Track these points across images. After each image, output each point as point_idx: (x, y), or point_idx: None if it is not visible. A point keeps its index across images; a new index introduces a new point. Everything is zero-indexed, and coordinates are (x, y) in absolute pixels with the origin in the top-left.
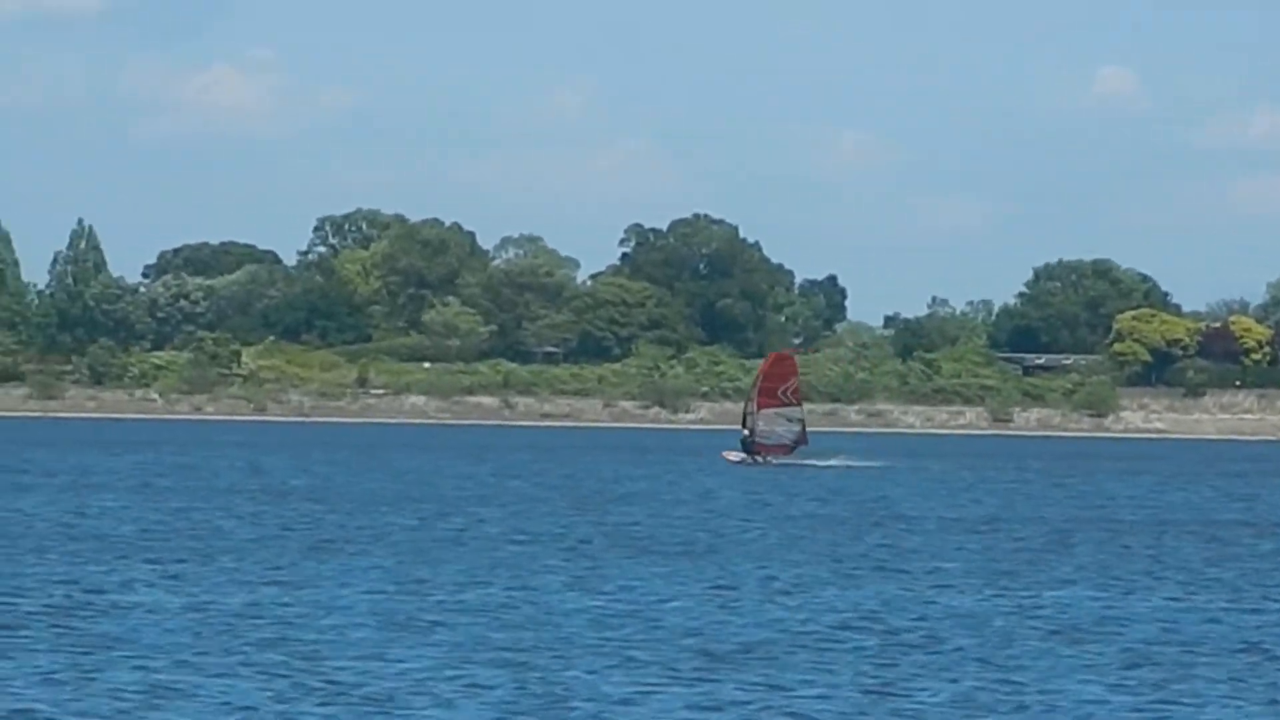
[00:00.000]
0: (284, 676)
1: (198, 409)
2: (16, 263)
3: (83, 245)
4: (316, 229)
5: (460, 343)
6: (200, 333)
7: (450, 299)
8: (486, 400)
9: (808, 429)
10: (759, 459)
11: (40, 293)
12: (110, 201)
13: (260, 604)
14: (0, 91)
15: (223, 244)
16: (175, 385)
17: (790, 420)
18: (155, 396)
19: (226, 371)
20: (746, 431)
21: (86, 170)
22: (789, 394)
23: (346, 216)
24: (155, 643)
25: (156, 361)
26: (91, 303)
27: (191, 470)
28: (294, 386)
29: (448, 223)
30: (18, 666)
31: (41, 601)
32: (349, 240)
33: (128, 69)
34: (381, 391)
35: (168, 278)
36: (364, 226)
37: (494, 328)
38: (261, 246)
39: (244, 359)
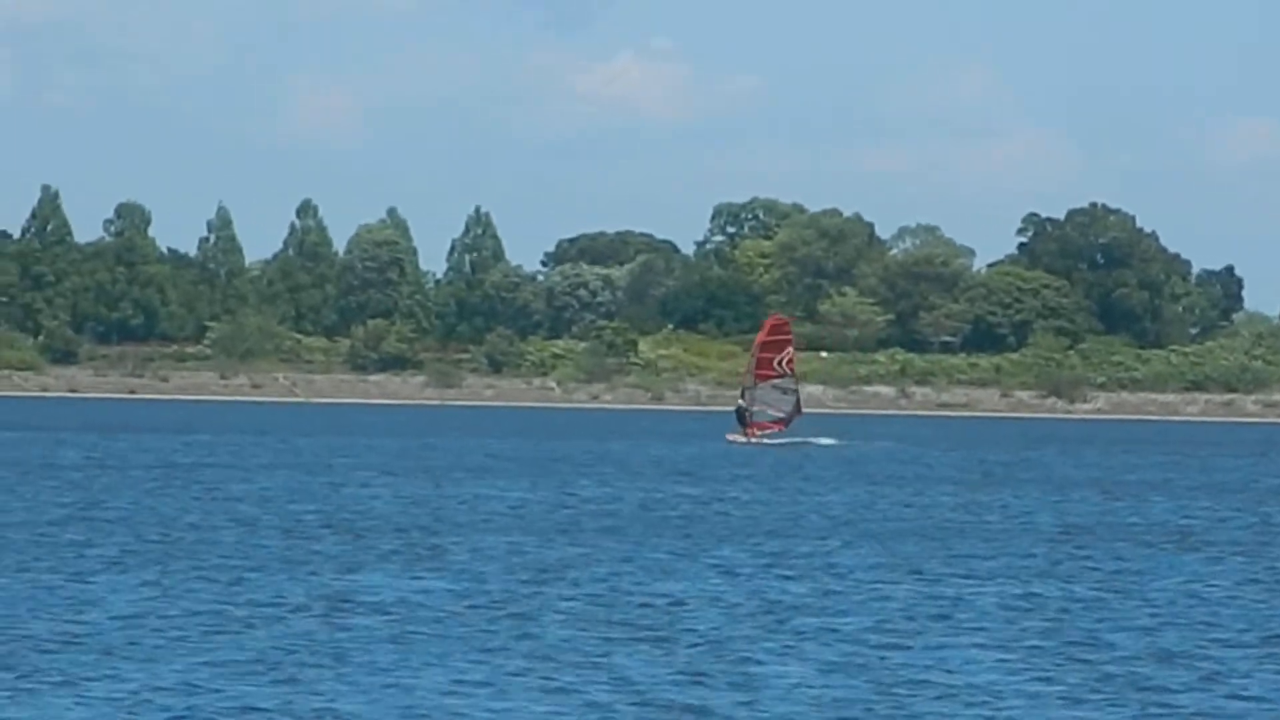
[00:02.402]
0: None
1: (595, 398)
2: (414, 250)
3: (480, 233)
4: (713, 218)
5: (857, 332)
6: (599, 322)
7: (847, 289)
8: (883, 389)
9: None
10: (753, 437)
11: (438, 281)
12: (507, 190)
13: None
14: (399, 81)
15: (619, 233)
16: (573, 374)
17: (785, 392)
18: (553, 385)
19: (624, 360)
20: (742, 404)
21: (483, 159)
22: (784, 364)
23: (743, 205)
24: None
25: (555, 350)
26: (491, 291)
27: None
28: (691, 375)
29: (846, 212)
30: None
31: None
32: (745, 229)
33: (527, 58)
34: None
35: (565, 266)
36: (761, 215)
37: (891, 317)
38: (659, 236)
39: (641, 348)
